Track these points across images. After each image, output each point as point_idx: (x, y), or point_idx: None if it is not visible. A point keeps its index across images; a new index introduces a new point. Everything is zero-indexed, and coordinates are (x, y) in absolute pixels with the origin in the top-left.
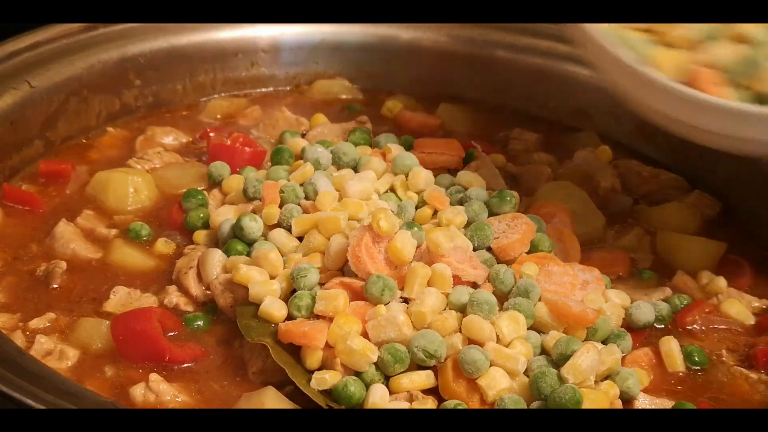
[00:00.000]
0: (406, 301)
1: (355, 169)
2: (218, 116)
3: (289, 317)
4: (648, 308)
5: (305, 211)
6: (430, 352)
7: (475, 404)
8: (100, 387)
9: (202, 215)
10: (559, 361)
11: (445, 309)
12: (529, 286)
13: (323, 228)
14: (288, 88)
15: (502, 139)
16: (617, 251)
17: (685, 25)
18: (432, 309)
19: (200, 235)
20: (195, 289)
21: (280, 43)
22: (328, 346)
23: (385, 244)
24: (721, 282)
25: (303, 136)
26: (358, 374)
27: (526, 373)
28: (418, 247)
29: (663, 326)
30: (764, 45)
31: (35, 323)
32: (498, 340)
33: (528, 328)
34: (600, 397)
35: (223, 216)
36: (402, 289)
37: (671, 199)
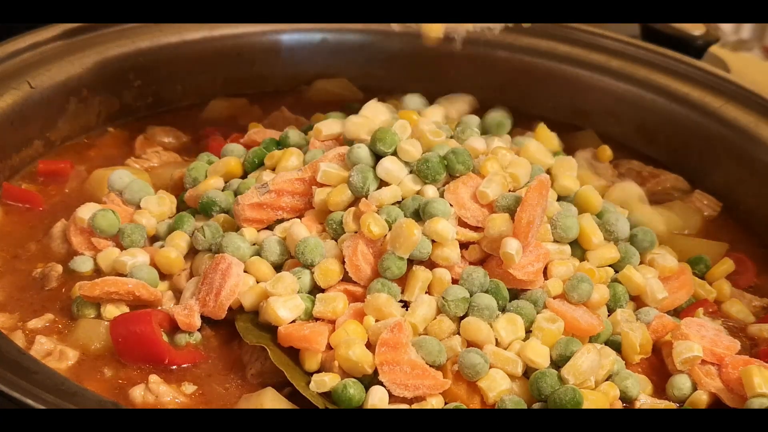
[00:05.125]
0: (406, 304)
1: None
2: (218, 116)
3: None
4: (654, 314)
5: None
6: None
7: (475, 406)
8: (100, 388)
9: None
10: (559, 361)
11: (439, 313)
12: (540, 296)
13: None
14: (288, 88)
15: None
16: None
17: None
18: (423, 319)
19: None
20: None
21: (280, 42)
22: (327, 348)
23: (378, 245)
24: (723, 282)
25: None
26: None
27: (526, 374)
28: None
29: None
30: None
31: (34, 323)
32: (497, 343)
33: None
34: (600, 398)
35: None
36: (403, 292)
37: (671, 199)
